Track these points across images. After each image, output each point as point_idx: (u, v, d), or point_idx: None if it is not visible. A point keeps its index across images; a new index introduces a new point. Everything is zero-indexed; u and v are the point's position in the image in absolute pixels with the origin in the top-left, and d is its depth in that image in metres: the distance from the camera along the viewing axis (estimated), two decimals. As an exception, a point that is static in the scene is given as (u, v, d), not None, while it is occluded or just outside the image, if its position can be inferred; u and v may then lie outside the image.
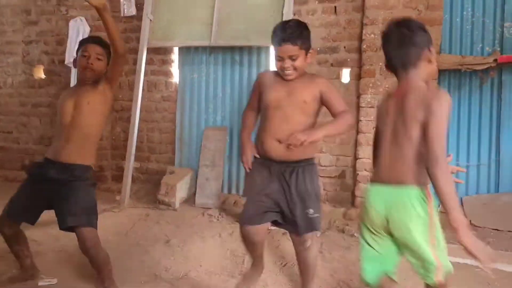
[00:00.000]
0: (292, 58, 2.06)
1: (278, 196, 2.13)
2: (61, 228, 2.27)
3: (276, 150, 2.11)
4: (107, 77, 2.35)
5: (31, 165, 2.48)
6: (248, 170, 2.23)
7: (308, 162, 2.18)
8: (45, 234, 3.14)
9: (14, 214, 2.35)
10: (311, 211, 2.10)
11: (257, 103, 2.27)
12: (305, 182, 2.12)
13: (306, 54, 2.11)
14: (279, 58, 2.09)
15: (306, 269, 2.26)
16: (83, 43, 2.43)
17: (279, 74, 2.16)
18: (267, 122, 2.16)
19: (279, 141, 2.09)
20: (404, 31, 1.69)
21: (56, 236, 3.08)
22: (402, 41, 1.69)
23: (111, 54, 2.33)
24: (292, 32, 2.05)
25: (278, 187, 2.13)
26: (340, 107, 2.12)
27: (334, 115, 2.13)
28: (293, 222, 2.13)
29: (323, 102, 2.14)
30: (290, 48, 2.04)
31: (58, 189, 2.26)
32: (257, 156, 2.22)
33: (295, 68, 2.09)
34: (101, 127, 2.44)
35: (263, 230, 2.22)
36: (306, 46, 2.10)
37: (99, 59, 2.34)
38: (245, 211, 2.21)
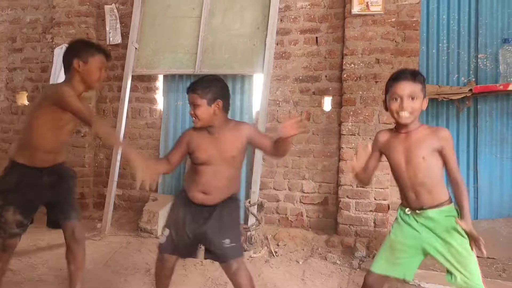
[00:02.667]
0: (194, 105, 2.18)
1: (197, 233, 2.24)
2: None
3: (199, 199, 2.25)
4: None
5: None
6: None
7: (229, 200, 2.29)
8: (21, 263, 3.07)
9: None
10: (227, 241, 2.19)
11: (179, 158, 2.33)
12: (222, 217, 2.24)
13: (210, 105, 2.18)
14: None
15: None
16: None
17: (206, 130, 2.24)
18: (197, 176, 2.25)
19: (205, 193, 2.22)
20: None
21: (33, 265, 3.01)
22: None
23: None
24: (198, 84, 2.21)
25: (196, 226, 2.24)
26: (268, 140, 2.24)
27: (267, 147, 2.24)
28: (214, 253, 2.24)
29: (252, 145, 2.30)
30: (193, 97, 2.18)
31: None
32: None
33: (197, 117, 2.18)
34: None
35: (174, 261, 2.33)
36: (209, 97, 2.18)
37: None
38: (166, 242, 2.28)
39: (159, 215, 3.92)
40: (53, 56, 4.51)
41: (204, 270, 3.15)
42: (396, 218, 2.10)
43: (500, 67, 3.63)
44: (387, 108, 2.02)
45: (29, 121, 2.42)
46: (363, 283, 2.09)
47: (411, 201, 1.98)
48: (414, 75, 1.96)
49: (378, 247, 3.47)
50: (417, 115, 1.96)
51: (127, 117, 4.30)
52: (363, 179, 2.15)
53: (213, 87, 2.20)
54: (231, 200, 2.32)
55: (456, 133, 3.79)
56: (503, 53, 3.61)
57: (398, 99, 1.93)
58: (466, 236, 1.89)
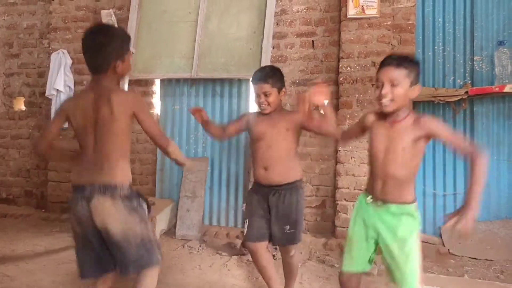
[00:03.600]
0: (266, 94, 2.43)
1: (265, 215, 2.46)
2: None
3: (262, 175, 2.46)
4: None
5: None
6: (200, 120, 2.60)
7: (291, 185, 2.45)
8: (19, 269, 3.06)
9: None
10: (287, 227, 2.41)
11: (234, 130, 2.64)
12: (284, 202, 2.43)
13: (279, 92, 2.47)
14: (256, 95, 2.49)
15: (290, 272, 2.62)
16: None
17: (261, 113, 2.52)
18: (256, 153, 2.49)
19: (265, 168, 2.43)
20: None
21: (30, 271, 3.00)
22: None
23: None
24: (266, 74, 2.47)
25: (265, 208, 2.47)
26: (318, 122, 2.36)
27: (321, 127, 2.33)
28: (274, 237, 2.46)
29: (306, 128, 2.47)
30: (265, 87, 2.43)
31: None
32: None
33: (269, 104, 2.44)
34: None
35: (264, 246, 2.47)
36: (279, 86, 2.47)
37: None
38: (248, 231, 2.47)
39: (157, 219, 3.91)
40: (50, 62, 4.52)
41: (201, 274, 3.15)
42: (355, 207, 2.02)
43: (496, 69, 3.65)
44: None
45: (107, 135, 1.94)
46: (340, 284, 2.04)
47: (377, 189, 1.88)
48: (398, 60, 1.80)
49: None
50: (401, 103, 1.80)
51: (124, 121, 4.28)
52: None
53: (279, 76, 2.49)
54: (296, 186, 2.46)
55: (453, 135, 3.80)
56: (498, 55, 3.63)
57: (380, 85, 1.82)
58: (412, 242, 1.82)
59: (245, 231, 2.48)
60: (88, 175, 1.90)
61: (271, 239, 2.49)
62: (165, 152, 2.04)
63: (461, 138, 1.80)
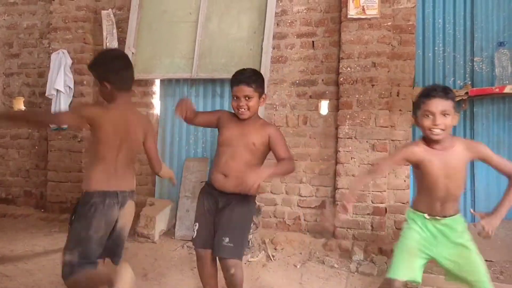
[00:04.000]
0: (247, 98, 2.28)
1: (213, 220, 2.34)
2: None
3: (219, 181, 2.34)
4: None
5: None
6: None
7: (244, 197, 2.30)
8: (17, 269, 3.05)
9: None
10: (226, 239, 2.24)
11: (204, 121, 2.47)
12: (233, 210, 2.30)
13: (259, 98, 2.33)
14: (235, 98, 2.32)
15: None
16: None
17: (235, 115, 2.36)
18: (218, 157, 2.37)
19: (224, 175, 2.31)
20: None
21: (29, 271, 3.00)
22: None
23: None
24: (249, 76, 2.32)
25: (214, 212, 2.35)
26: (285, 153, 2.30)
27: (278, 159, 2.31)
28: (213, 246, 2.31)
29: (270, 146, 2.33)
30: (247, 90, 2.29)
31: None
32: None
33: (248, 108, 2.30)
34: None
35: (209, 255, 2.36)
36: (260, 91, 2.33)
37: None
38: (196, 236, 2.38)
39: (156, 219, 3.90)
40: (50, 62, 4.52)
41: (201, 274, 3.14)
42: (409, 223, 2.13)
43: (496, 70, 3.65)
44: (417, 123, 2.05)
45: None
46: None
47: (435, 209, 2.04)
48: (446, 92, 1.97)
49: (376, 251, 3.49)
50: (449, 131, 1.99)
51: (124, 121, 4.28)
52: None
53: (262, 82, 2.36)
54: (249, 200, 2.35)
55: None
56: (498, 56, 3.63)
57: (431, 116, 1.95)
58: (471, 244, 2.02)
59: (194, 235, 2.38)
60: (116, 183, 2.15)
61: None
62: (156, 174, 2.51)
63: (506, 161, 2.04)
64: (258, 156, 2.33)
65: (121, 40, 4.44)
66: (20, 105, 4.93)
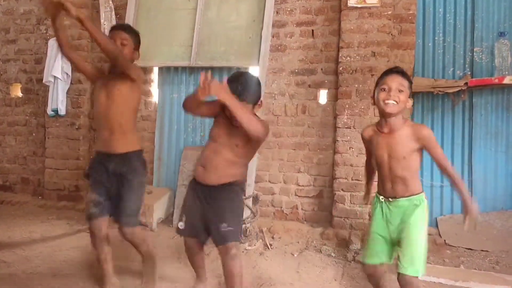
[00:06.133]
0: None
1: (201, 214, 2.34)
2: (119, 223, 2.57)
3: (199, 172, 2.34)
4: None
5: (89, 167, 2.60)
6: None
7: (227, 185, 2.30)
8: (15, 255, 3.06)
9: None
10: (224, 225, 2.24)
11: (207, 111, 2.36)
12: (220, 200, 2.29)
13: (253, 108, 2.26)
14: None
15: (232, 279, 2.28)
16: (110, 30, 2.62)
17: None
18: (204, 150, 2.37)
19: (203, 167, 2.31)
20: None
21: (27, 257, 3.00)
22: None
23: (137, 39, 2.61)
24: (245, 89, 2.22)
25: (200, 207, 2.34)
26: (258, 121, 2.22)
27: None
28: (212, 236, 2.33)
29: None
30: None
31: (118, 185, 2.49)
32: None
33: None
34: (134, 114, 2.54)
35: (195, 243, 2.43)
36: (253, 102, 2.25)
37: (123, 44, 2.48)
38: (184, 227, 2.40)
39: (154, 208, 3.91)
40: (47, 48, 4.48)
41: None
42: (373, 207, 2.23)
43: (496, 60, 3.64)
44: (374, 102, 2.13)
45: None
46: (367, 275, 2.28)
47: (387, 190, 2.12)
48: (404, 73, 2.09)
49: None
50: (402, 108, 2.04)
51: (122, 109, 4.26)
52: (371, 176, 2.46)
53: (256, 91, 2.28)
54: (232, 186, 2.32)
55: (451, 127, 3.81)
56: (498, 46, 3.62)
57: (387, 89, 2.03)
58: (421, 226, 2.05)
59: (182, 226, 2.37)
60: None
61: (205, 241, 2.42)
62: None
63: (446, 158, 2.08)
64: (242, 156, 2.30)
65: (119, 27, 4.39)
66: (17, 91, 4.91)
